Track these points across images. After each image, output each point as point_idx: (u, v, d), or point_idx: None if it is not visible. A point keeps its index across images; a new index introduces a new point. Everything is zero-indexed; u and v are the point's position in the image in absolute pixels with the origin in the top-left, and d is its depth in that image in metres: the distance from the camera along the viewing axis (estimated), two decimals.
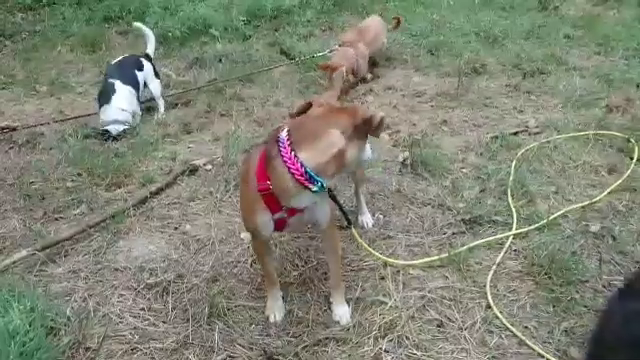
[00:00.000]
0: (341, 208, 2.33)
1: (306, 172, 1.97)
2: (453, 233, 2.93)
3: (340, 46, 5.10)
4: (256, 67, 5.66)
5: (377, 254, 2.59)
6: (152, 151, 3.98)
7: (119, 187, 3.50)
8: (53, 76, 5.78)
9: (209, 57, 5.96)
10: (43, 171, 3.65)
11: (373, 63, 5.43)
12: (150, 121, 4.58)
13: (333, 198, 2.24)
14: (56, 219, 3.20)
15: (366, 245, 2.50)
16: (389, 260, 2.63)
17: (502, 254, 2.71)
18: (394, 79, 5.24)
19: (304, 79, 5.28)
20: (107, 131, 4.18)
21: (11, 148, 4.20)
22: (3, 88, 5.74)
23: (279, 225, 2.15)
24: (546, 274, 2.52)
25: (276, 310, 2.37)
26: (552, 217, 2.95)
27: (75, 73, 6.01)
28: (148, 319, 2.36)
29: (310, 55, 5.50)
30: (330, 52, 5.18)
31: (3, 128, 4.33)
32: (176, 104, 5.00)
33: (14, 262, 2.65)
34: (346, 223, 2.43)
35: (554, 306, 2.36)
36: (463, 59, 5.47)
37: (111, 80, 4.39)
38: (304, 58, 5.52)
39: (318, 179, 1.98)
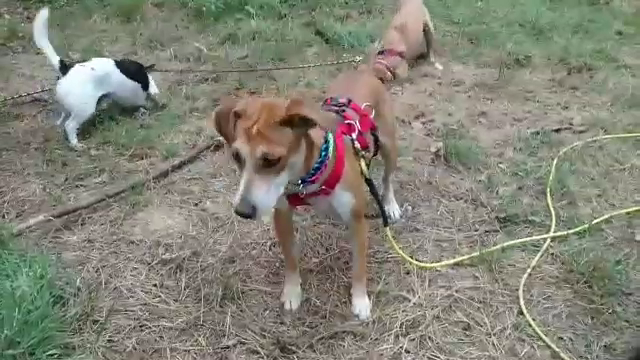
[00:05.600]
0: (380, 205, 2.18)
1: None
2: (485, 231, 2.75)
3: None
4: (289, 47, 5.51)
5: (410, 259, 2.43)
6: (178, 124, 3.90)
7: (142, 158, 3.42)
8: (87, 44, 5.74)
9: (242, 34, 5.83)
10: (68, 137, 3.61)
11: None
12: (179, 94, 4.48)
13: (374, 195, 2.09)
14: (76, 186, 3.15)
15: (400, 250, 2.36)
16: (423, 265, 2.46)
17: (538, 257, 2.52)
18: (431, 67, 5.01)
19: (340, 64, 5.09)
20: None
21: (39, 112, 4.18)
22: (38, 53, 5.73)
23: (295, 202, 2.01)
24: (585, 282, 2.33)
25: (293, 297, 2.25)
26: (595, 221, 2.74)
27: (109, 42, 5.98)
28: (159, 296, 2.27)
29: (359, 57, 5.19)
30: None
31: (34, 100, 4.32)
32: (206, 79, 4.89)
33: (29, 227, 2.59)
34: (382, 222, 2.25)
35: (593, 318, 2.17)
36: (506, 50, 5.21)
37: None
38: (353, 59, 5.16)
39: None
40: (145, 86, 4.04)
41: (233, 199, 1.63)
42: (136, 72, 4.00)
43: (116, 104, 3.99)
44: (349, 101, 2.18)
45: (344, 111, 2.12)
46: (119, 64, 3.89)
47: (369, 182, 2.10)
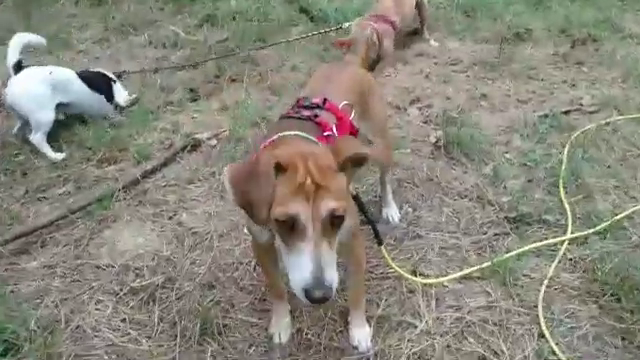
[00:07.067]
0: (372, 223, 1.87)
1: None
2: (495, 234, 2.47)
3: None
4: (272, 27, 5.13)
5: (412, 277, 2.16)
6: (152, 121, 3.56)
7: (111, 163, 3.10)
8: (54, 31, 5.31)
9: (222, 14, 5.45)
10: (29, 141, 3.25)
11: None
12: (153, 85, 4.11)
13: (362, 209, 1.78)
14: (38, 199, 2.83)
15: (401, 270, 2.09)
16: (427, 281, 2.18)
17: (555, 264, 2.25)
18: (426, 44, 4.65)
19: (324, 41, 4.73)
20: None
21: None
22: (1, 44, 5.33)
23: None
24: (612, 295, 2.06)
25: (282, 329, 1.97)
26: (616, 218, 2.46)
27: (77, 29, 5.59)
28: (129, 333, 1.98)
29: (335, 26, 4.81)
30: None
31: None
32: (183, 66, 4.52)
33: None
34: (376, 241, 1.95)
35: (624, 339, 1.90)
36: (504, 22, 4.86)
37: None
38: (329, 30, 4.77)
39: None
40: (109, 97, 3.66)
41: (297, 277, 1.29)
42: (99, 83, 3.60)
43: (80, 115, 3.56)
44: (324, 101, 1.83)
45: (317, 116, 1.76)
46: (81, 75, 3.50)
47: (355, 198, 1.78)
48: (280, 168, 1.30)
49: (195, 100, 3.92)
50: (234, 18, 5.42)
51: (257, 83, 4.09)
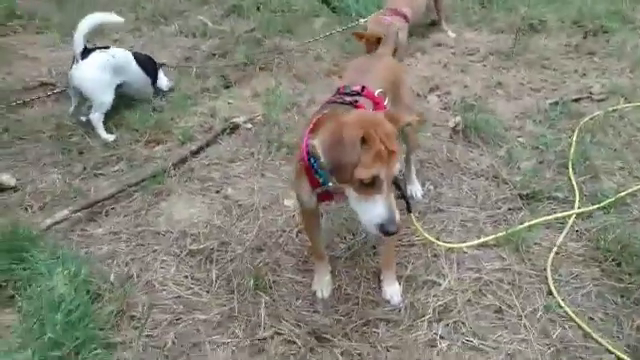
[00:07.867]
0: (402, 192, 2.14)
1: (309, 160, 1.86)
2: (509, 209, 2.75)
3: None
4: (296, 17, 5.39)
5: (437, 241, 2.45)
6: (191, 106, 3.84)
7: (158, 144, 3.39)
8: None
9: (247, 5, 5.70)
10: (83, 122, 3.55)
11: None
12: (189, 73, 4.39)
13: (395, 183, 2.05)
14: (95, 175, 3.13)
15: (426, 234, 2.37)
16: (450, 245, 2.47)
17: (563, 235, 2.53)
18: (443, 34, 4.89)
19: (345, 31, 4.97)
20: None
21: (48, 96, 4.11)
22: (38, 32, 5.62)
23: (324, 198, 2.01)
24: (614, 260, 2.34)
25: (323, 286, 2.27)
26: (619, 196, 2.73)
27: None
28: (191, 288, 2.29)
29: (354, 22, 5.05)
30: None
31: (42, 84, 4.24)
32: (214, 54, 4.80)
33: (56, 222, 2.59)
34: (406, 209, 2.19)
35: (623, 296, 2.19)
36: (519, 14, 5.07)
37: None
38: (345, 29, 4.99)
39: (321, 173, 1.86)
40: (154, 81, 3.96)
41: (373, 217, 1.70)
42: (149, 66, 3.91)
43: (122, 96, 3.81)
44: (362, 88, 2.12)
45: (357, 101, 2.04)
46: (135, 56, 3.80)
47: None
48: (363, 140, 1.66)
49: (228, 87, 4.19)
50: (258, 8, 5.67)
51: (285, 72, 4.35)
